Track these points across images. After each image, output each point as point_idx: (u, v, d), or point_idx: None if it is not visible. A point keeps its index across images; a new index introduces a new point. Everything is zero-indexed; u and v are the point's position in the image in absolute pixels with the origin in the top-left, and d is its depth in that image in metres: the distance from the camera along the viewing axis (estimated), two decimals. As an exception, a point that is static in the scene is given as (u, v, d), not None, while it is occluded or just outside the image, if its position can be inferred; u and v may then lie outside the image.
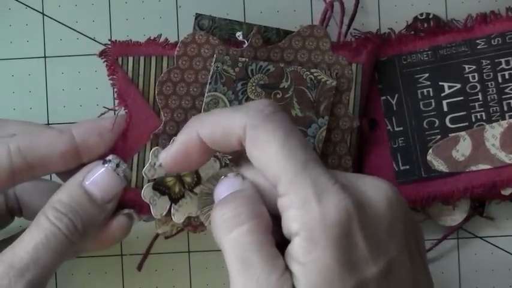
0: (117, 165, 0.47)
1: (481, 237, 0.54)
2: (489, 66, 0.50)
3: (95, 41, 0.52)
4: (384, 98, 0.50)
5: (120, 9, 0.53)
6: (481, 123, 0.50)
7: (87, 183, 0.47)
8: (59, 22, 0.54)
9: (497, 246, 0.54)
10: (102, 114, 0.50)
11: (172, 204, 0.49)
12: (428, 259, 0.53)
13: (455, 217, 0.52)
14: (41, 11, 0.53)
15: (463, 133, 0.50)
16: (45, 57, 0.54)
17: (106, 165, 0.47)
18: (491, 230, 0.54)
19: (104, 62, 0.49)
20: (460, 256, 0.54)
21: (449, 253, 0.54)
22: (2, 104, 0.54)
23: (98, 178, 0.47)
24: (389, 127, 0.50)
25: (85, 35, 0.53)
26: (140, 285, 0.54)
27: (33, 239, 0.45)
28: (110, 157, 0.47)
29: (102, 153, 0.48)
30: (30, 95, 0.54)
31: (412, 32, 0.51)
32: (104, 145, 0.48)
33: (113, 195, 0.47)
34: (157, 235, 0.53)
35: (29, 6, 0.53)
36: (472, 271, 0.54)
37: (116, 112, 0.49)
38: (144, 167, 0.48)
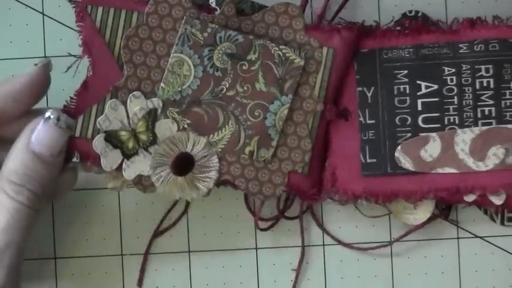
0: (58, 119, 0.48)
1: (481, 237, 0.54)
2: (469, 71, 0.50)
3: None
4: (360, 89, 0.51)
5: (120, 9, 0.53)
6: (453, 126, 0.51)
7: (34, 144, 0.48)
8: (59, 22, 0.54)
9: (497, 246, 0.54)
10: (70, 66, 0.51)
11: (124, 160, 0.50)
12: (429, 259, 0.53)
13: (418, 216, 0.53)
14: (41, 11, 0.54)
15: (433, 134, 0.51)
16: (45, 57, 0.54)
17: (47, 122, 0.48)
18: (491, 230, 0.54)
19: (72, 7, 0.50)
20: (460, 256, 0.54)
21: (449, 253, 0.54)
22: (2, 104, 0.54)
23: (43, 136, 0.48)
24: (361, 119, 0.51)
25: (85, 35, 0.53)
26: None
27: (0, 221, 0.47)
28: (48, 113, 0.49)
29: (20, 114, 0.49)
30: (30, 94, 0.54)
31: (398, 28, 0.51)
32: (19, 108, 0.49)
33: (60, 149, 0.49)
34: (153, 237, 0.53)
35: (29, 6, 0.54)
36: (472, 271, 0.54)
37: (79, 60, 0.51)
38: (102, 118, 0.50)
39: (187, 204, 0.55)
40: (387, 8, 0.54)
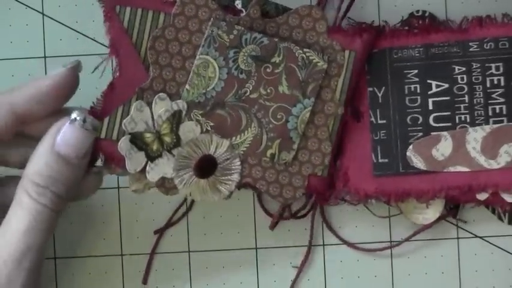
0: (84, 121, 0.48)
1: (481, 237, 0.54)
2: (479, 70, 0.50)
3: (95, 41, 0.53)
4: (370, 89, 0.51)
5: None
6: (465, 125, 0.51)
7: (59, 146, 0.47)
8: (59, 22, 0.54)
9: (497, 246, 0.54)
10: (97, 66, 0.51)
11: (148, 162, 0.50)
12: (429, 259, 0.53)
13: (428, 216, 0.53)
14: (41, 11, 0.54)
15: (445, 133, 0.51)
16: (45, 57, 0.54)
17: (73, 123, 0.48)
18: (491, 230, 0.54)
19: (101, 7, 0.50)
20: (460, 256, 0.54)
21: (449, 253, 0.54)
22: (2, 104, 0.54)
23: (68, 138, 0.48)
24: (372, 119, 0.51)
25: (85, 35, 0.54)
26: (140, 285, 0.54)
27: (21, 223, 0.47)
28: (74, 114, 0.48)
29: (46, 115, 0.49)
30: (30, 95, 0.54)
31: (407, 28, 0.51)
32: (45, 110, 0.49)
33: (86, 150, 0.48)
34: (159, 238, 0.53)
35: (29, 6, 0.54)
36: (472, 271, 0.54)
37: (106, 60, 0.50)
38: (129, 120, 0.50)
39: (192, 203, 0.55)
40: (387, 8, 0.54)
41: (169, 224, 0.55)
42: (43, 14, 0.55)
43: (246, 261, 0.56)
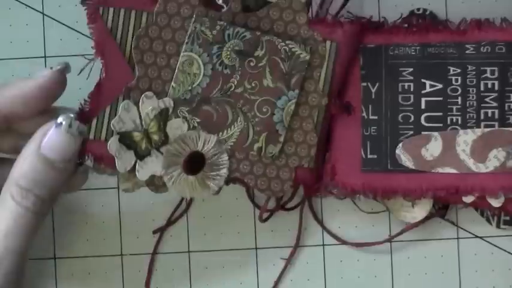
0: (70, 125, 0.48)
1: (481, 237, 0.54)
2: (474, 72, 0.50)
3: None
4: (364, 84, 0.51)
5: (120, 9, 0.53)
6: (456, 127, 0.51)
7: (44, 150, 0.47)
8: (59, 22, 0.54)
9: (497, 246, 0.54)
10: (83, 68, 0.51)
11: (138, 161, 0.50)
12: (429, 259, 0.53)
13: (415, 215, 0.53)
14: (41, 11, 0.54)
15: (435, 133, 0.51)
16: (45, 57, 0.54)
17: (59, 127, 0.48)
18: (491, 230, 0.54)
19: (84, 9, 0.50)
20: (460, 256, 0.54)
21: (449, 253, 0.54)
22: (2, 104, 0.54)
23: (54, 142, 0.47)
24: (364, 114, 0.51)
25: (85, 35, 0.54)
26: (140, 285, 0.54)
27: (3, 223, 0.47)
28: (60, 118, 0.48)
29: (31, 115, 0.49)
30: (30, 95, 0.54)
31: (406, 25, 0.51)
32: (30, 111, 0.48)
33: (72, 155, 0.48)
34: (159, 238, 0.53)
35: (29, 6, 0.54)
36: (472, 271, 0.54)
37: (93, 62, 0.50)
38: (117, 119, 0.50)
39: (190, 202, 0.55)
40: (387, 7, 0.54)
41: (170, 223, 0.55)
42: (43, 14, 0.55)
43: (246, 261, 0.56)
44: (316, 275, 0.56)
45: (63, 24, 0.55)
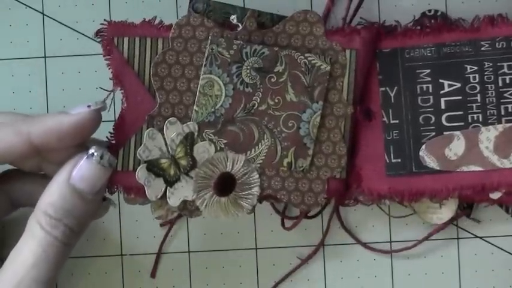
0: (101, 157, 0.47)
1: (481, 237, 0.54)
2: (491, 69, 0.50)
3: (95, 41, 0.52)
4: (382, 89, 0.51)
5: (120, 9, 0.54)
6: (477, 124, 0.50)
7: (75, 180, 0.47)
8: (59, 22, 0.54)
9: (497, 246, 0.54)
10: (105, 98, 0.49)
11: (168, 188, 0.49)
12: (429, 259, 0.53)
13: (442, 216, 0.53)
14: (41, 11, 0.54)
15: (457, 133, 0.50)
16: (45, 57, 0.54)
17: (90, 159, 0.47)
18: (491, 230, 0.54)
19: (99, 41, 0.49)
20: (460, 256, 0.54)
21: (449, 253, 0.54)
22: (2, 104, 0.54)
23: (85, 173, 0.47)
24: (385, 119, 0.51)
25: (85, 35, 0.54)
26: (140, 285, 0.54)
27: (31, 253, 0.46)
28: (92, 150, 0.47)
29: (63, 149, 0.48)
30: (30, 95, 0.54)
31: (418, 27, 0.51)
32: (64, 146, 0.48)
33: (101, 186, 0.48)
34: (165, 238, 0.53)
35: (29, 6, 0.54)
36: (472, 271, 0.54)
37: (113, 93, 0.49)
38: (143, 149, 0.50)
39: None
40: (387, 9, 0.54)
41: (176, 217, 0.55)
42: (43, 14, 0.55)
43: (246, 261, 0.56)
44: (316, 275, 0.56)
45: (63, 24, 0.55)
